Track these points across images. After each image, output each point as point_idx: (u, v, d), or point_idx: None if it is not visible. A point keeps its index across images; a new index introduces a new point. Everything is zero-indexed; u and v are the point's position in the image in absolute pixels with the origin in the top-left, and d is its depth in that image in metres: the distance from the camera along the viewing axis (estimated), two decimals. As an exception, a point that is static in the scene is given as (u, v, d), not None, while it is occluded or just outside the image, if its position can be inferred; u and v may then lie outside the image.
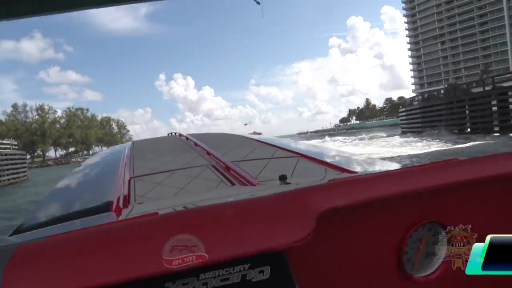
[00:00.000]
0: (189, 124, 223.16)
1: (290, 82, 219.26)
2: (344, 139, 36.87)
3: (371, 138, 31.61)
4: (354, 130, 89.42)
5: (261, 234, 0.71)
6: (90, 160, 2.92)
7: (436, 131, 26.30)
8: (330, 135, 57.77)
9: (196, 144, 2.18)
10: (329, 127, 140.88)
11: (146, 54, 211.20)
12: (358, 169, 1.52)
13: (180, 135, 2.79)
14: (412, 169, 0.94)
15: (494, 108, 22.41)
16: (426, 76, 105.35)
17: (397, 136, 30.59)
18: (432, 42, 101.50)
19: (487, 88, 24.93)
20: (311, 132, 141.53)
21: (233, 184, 1.41)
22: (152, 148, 2.60)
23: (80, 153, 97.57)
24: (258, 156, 1.84)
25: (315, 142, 41.56)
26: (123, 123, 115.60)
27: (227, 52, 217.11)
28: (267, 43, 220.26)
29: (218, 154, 1.82)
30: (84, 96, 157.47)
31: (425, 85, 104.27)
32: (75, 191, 1.92)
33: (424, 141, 20.86)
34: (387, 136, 31.22)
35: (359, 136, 38.67)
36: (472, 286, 0.89)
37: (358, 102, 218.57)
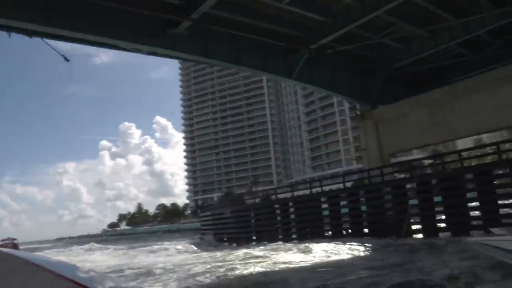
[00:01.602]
0: None
1: (53, 182, 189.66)
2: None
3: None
4: (124, 236, 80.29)
5: None
6: None
7: (255, 238, 23.04)
8: (101, 241, 46.47)
9: None
10: (96, 232, 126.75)
11: None
12: None
13: None
14: None
15: (326, 212, 20.94)
16: (200, 184, 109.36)
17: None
18: (208, 152, 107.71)
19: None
20: (73, 237, 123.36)
21: None
22: None
23: None
24: None
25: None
26: None
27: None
28: (30, 138, 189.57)
29: None
30: None
31: (199, 192, 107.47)
32: None
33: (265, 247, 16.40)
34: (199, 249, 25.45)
35: (151, 247, 31.25)
36: None
37: (125, 207, 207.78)
